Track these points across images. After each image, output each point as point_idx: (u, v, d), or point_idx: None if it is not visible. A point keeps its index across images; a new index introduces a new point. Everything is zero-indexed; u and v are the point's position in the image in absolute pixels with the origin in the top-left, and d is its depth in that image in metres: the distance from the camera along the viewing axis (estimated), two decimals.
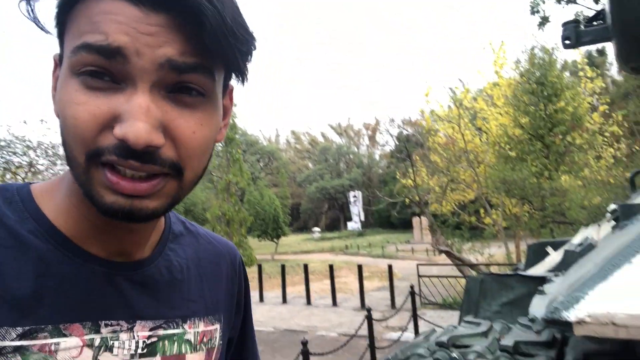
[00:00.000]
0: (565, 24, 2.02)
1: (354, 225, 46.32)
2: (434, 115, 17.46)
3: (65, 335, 0.47)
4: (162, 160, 0.44)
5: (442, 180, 15.41)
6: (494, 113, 15.92)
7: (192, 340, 0.58)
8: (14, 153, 12.76)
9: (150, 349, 0.54)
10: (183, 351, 0.57)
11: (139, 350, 0.52)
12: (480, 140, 16.30)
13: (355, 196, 45.88)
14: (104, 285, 0.50)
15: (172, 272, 0.58)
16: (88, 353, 0.48)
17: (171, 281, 0.57)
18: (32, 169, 13.13)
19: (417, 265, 11.05)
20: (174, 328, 0.56)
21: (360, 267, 11.30)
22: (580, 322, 0.93)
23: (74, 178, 0.47)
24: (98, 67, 0.43)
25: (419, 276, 10.53)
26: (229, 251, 0.68)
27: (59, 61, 0.49)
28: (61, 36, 0.47)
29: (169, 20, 0.43)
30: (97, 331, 0.49)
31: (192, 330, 0.58)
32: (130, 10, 0.42)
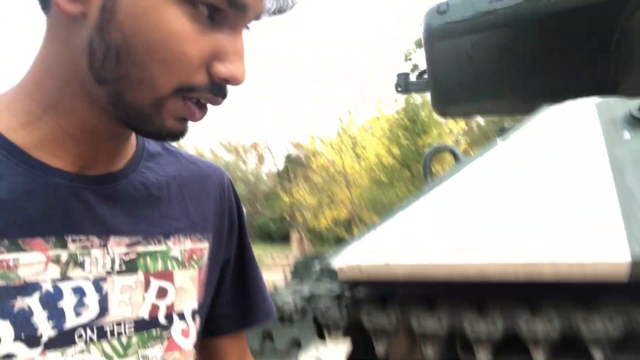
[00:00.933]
0: (398, 75, 2.76)
1: None
2: (319, 140, 18.70)
3: (25, 250, 0.43)
4: (227, 91, 0.46)
5: (321, 198, 16.54)
6: (372, 143, 17.59)
7: (180, 257, 0.55)
8: None
9: (130, 265, 0.50)
10: (170, 268, 0.54)
11: (116, 267, 0.49)
12: (359, 165, 17.83)
13: None
14: (68, 199, 0.46)
15: (149, 189, 0.54)
16: (54, 269, 0.45)
17: (148, 197, 0.53)
18: None
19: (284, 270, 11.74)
20: (155, 244, 0.53)
21: None
22: (340, 270, 1.32)
23: (119, 98, 0.43)
24: (215, 11, 0.42)
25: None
26: (215, 172, 0.64)
27: None
28: None
29: None
30: (64, 246, 0.46)
31: (178, 247, 0.55)
32: None
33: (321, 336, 1.51)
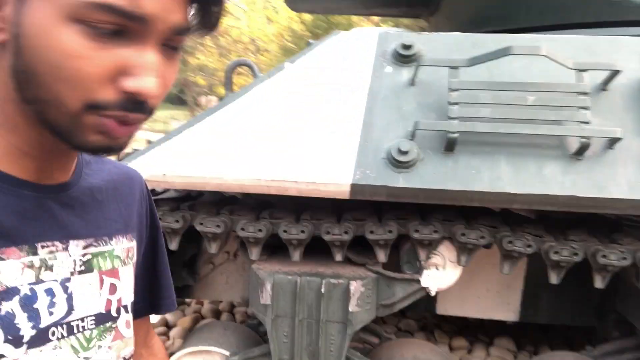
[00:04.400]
0: None
1: None
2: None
3: (3, 259, 0.47)
4: (148, 108, 0.46)
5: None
6: (285, 6, 16.56)
7: (121, 256, 0.61)
8: None
9: (87, 265, 0.56)
10: (116, 266, 0.60)
11: (77, 268, 0.54)
12: (268, 29, 16.98)
13: None
14: (35, 208, 0.51)
15: (94, 194, 0.59)
16: (29, 273, 0.49)
17: (94, 202, 0.59)
18: None
19: None
20: (103, 245, 0.58)
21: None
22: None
23: (42, 116, 0.45)
24: (115, 25, 0.41)
25: None
26: (136, 175, 0.70)
27: None
28: None
29: None
30: (35, 253, 0.50)
31: (119, 246, 0.61)
32: None
33: None
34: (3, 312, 0.46)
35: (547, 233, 1.50)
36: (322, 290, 1.51)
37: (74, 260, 0.54)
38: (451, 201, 1.37)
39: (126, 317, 0.62)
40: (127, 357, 0.63)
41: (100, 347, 0.57)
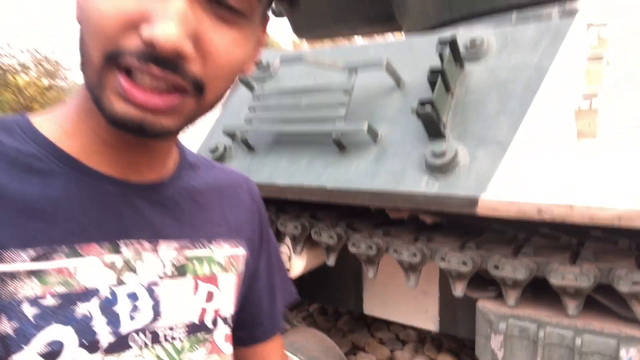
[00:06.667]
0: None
1: None
2: None
3: (82, 256, 0.43)
4: (186, 73, 0.39)
5: None
6: None
7: (222, 262, 0.56)
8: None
9: (179, 269, 0.51)
10: (214, 272, 0.54)
11: (167, 271, 0.50)
12: None
13: None
14: (119, 204, 0.47)
15: (193, 195, 0.55)
16: (110, 274, 0.45)
17: (192, 203, 0.55)
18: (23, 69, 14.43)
19: None
20: (200, 248, 0.54)
21: None
22: None
23: (86, 83, 0.41)
24: None
25: None
26: (245, 181, 0.66)
27: None
28: None
29: None
30: (117, 251, 0.46)
31: (219, 250, 0.56)
32: None
33: None
34: (79, 315, 0.43)
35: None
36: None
37: (164, 263, 0.50)
38: None
39: (225, 331, 0.56)
40: None
41: None
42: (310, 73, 1.63)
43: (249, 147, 1.61)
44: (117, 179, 0.48)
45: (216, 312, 0.55)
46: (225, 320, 0.56)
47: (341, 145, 1.38)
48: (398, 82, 1.42)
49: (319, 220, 1.67)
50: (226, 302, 0.57)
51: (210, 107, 0.45)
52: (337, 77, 1.51)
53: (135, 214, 0.48)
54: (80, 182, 0.45)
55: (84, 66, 0.41)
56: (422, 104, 1.16)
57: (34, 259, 0.41)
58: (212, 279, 0.55)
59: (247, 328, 0.66)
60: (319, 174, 1.41)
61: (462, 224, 1.56)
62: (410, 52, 1.49)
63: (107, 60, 0.39)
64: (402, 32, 2.58)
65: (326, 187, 1.38)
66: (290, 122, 1.50)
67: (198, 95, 0.42)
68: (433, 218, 1.60)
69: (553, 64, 1.16)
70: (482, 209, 1.08)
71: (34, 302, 0.41)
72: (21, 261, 0.40)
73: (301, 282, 2.04)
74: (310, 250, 1.77)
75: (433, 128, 1.20)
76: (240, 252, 0.60)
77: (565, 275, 1.10)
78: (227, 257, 0.57)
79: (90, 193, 0.46)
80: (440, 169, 1.15)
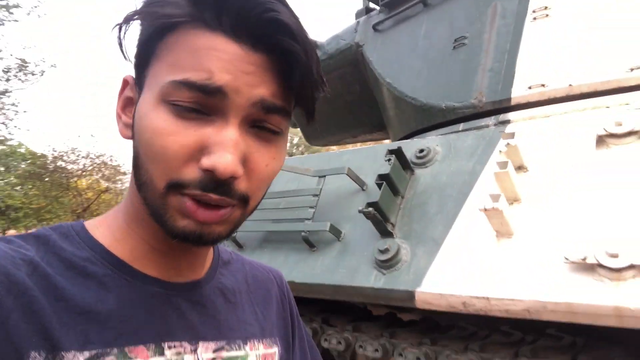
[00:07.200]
0: None
1: None
2: None
3: (130, 358, 0.45)
4: (235, 192, 0.45)
5: None
6: None
7: None
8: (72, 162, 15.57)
9: None
10: None
11: None
12: None
13: None
14: (163, 306, 0.49)
15: (226, 295, 0.57)
16: None
17: (227, 303, 0.57)
18: (84, 173, 15.98)
19: None
20: (236, 350, 0.55)
21: None
22: None
23: (144, 200, 0.46)
24: (195, 104, 0.43)
25: None
26: (275, 276, 0.68)
27: (136, 85, 0.49)
28: (145, 61, 0.47)
29: (265, 60, 0.44)
30: (161, 353, 0.48)
31: (254, 352, 0.57)
32: (232, 47, 0.43)
33: None
34: None
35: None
36: None
37: None
38: None
39: None
40: None
41: None
42: (296, 178, 1.83)
43: (239, 245, 1.78)
44: (161, 280, 0.51)
45: None
46: None
47: (310, 243, 1.53)
48: (362, 185, 1.59)
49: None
50: None
51: (252, 211, 0.51)
52: (312, 181, 1.71)
53: (177, 315, 0.51)
54: (131, 285, 0.49)
55: (144, 186, 0.46)
56: (368, 205, 1.31)
57: None
58: None
59: None
60: (291, 269, 1.55)
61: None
62: (375, 158, 1.68)
63: (169, 188, 0.44)
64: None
65: (295, 281, 1.51)
66: (271, 222, 1.68)
67: (244, 206, 0.48)
68: (412, 316, 1.66)
69: (484, 170, 1.30)
70: (419, 302, 1.17)
71: None
72: None
73: None
74: None
75: (380, 227, 1.34)
76: (274, 350, 0.61)
77: None
78: (260, 357, 0.58)
79: (139, 296, 0.48)
80: (385, 264, 1.27)
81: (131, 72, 0.51)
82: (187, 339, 0.50)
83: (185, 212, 0.45)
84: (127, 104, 0.51)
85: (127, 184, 0.62)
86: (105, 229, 0.52)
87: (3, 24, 13.48)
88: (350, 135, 3.07)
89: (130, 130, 0.49)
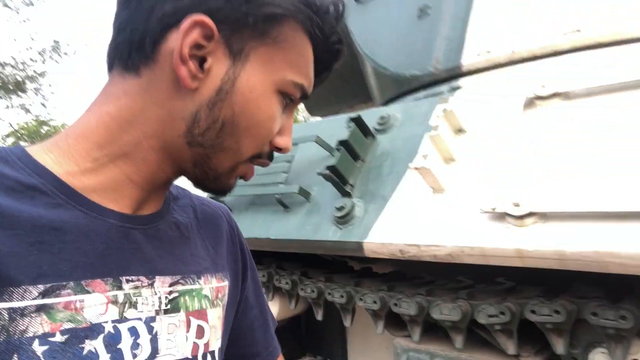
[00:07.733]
0: None
1: None
2: None
3: (88, 292, 0.44)
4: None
5: None
6: None
7: (210, 296, 0.58)
8: None
9: (173, 304, 0.52)
10: (204, 306, 0.56)
11: (162, 306, 0.51)
12: None
13: None
14: (120, 239, 0.49)
15: (180, 229, 0.58)
16: (113, 310, 0.46)
17: (180, 237, 0.57)
18: None
19: None
20: (191, 284, 0.55)
21: None
22: None
23: (206, 157, 0.52)
24: (293, 99, 0.55)
25: None
26: (223, 212, 0.69)
27: (226, 46, 0.49)
28: (246, 32, 0.49)
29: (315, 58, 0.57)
30: (119, 287, 0.47)
31: (207, 285, 0.58)
32: (312, 57, 0.56)
33: None
34: (85, 352, 0.43)
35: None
36: None
37: (160, 298, 0.51)
38: None
39: None
40: None
41: None
42: None
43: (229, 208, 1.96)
44: (120, 212, 0.50)
45: (205, 346, 0.56)
46: (213, 354, 0.57)
47: (284, 204, 1.70)
48: (331, 151, 1.73)
49: (284, 270, 1.95)
50: (214, 336, 0.58)
51: None
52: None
53: (134, 249, 0.50)
54: (87, 217, 0.47)
55: (225, 151, 0.52)
56: (327, 168, 1.46)
57: (42, 294, 0.41)
58: (201, 314, 0.56)
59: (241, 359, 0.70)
60: (268, 227, 1.72)
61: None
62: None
63: (252, 157, 0.55)
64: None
65: (270, 237, 1.69)
66: (251, 186, 1.85)
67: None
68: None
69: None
70: (367, 252, 1.33)
71: (43, 339, 0.41)
72: (31, 297, 0.40)
73: (295, 334, 2.29)
74: (283, 298, 2.04)
75: (339, 188, 1.49)
76: (225, 283, 0.63)
77: (442, 310, 1.29)
78: (214, 291, 0.59)
79: (96, 228, 0.47)
80: (341, 220, 1.43)
81: None
82: (144, 273, 0.50)
83: (244, 174, 0.57)
84: (196, 51, 0.48)
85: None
86: (61, 156, 0.48)
87: (33, 4, 13.65)
88: (348, 106, 3.19)
89: (197, 82, 0.48)
